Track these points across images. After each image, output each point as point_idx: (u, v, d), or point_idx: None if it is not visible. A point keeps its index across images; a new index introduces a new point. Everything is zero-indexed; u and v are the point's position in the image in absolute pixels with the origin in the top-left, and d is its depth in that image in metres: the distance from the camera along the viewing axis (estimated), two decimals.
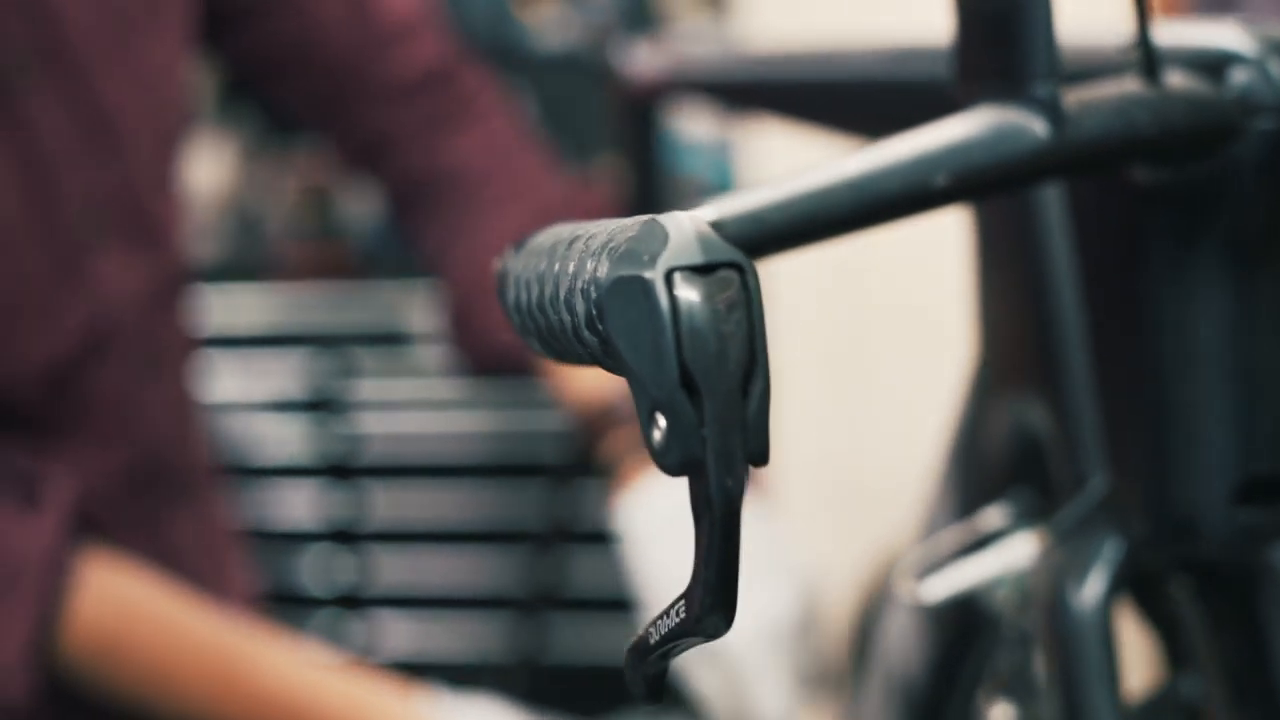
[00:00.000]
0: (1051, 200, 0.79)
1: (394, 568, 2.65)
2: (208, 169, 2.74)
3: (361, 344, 2.64)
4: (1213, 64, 0.69)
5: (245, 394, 2.67)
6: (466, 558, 2.61)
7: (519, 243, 0.59)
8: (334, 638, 2.61)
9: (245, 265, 2.72)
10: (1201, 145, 0.68)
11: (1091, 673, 0.75)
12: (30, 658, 1.17)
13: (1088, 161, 0.67)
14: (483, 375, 1.47)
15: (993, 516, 0.85)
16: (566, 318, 0.52)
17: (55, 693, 1.20)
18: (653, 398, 0.48)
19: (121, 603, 1.20)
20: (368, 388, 2.66)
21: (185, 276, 1.34)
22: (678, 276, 0.48)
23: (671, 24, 2.65)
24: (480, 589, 2.59)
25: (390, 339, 2.63)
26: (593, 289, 0.50)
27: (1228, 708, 0.78)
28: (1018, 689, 0.83)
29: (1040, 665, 0.82)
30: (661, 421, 0.48)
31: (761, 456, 0.48)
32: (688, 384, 0.47)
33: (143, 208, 1.27)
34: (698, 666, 1.27)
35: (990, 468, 0.88)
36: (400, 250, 2.48)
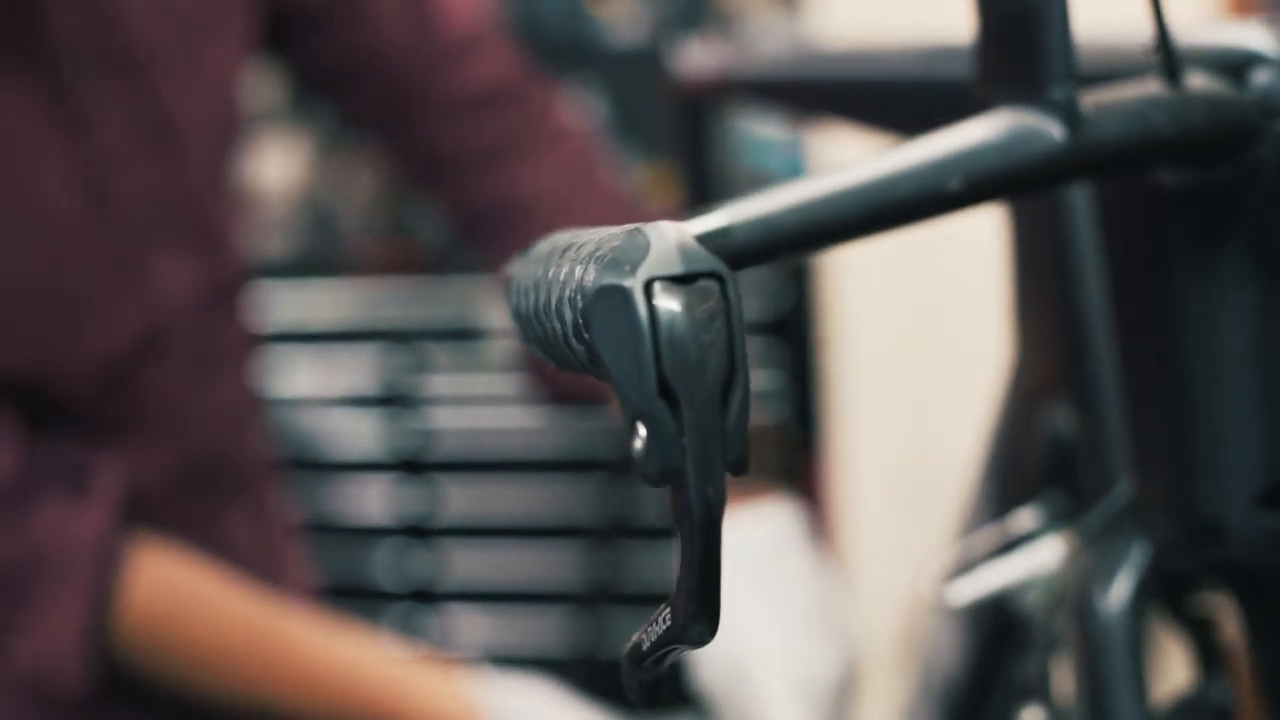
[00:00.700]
0: (1080, 203, 0.78)
1: (467, 563, 2.66)
2: (282, 165, 2.77)
3: (434, 339, 2.66)
4: (1235, 65, 0.69)
5: (319, 389, 2.69)
6: (538, 552, 2.62)
7: (525, 249, 0.59)
8: (407, 632, 2.63)
9: (319, 261, 2.74)
10: (1222, 147, 0.68)
11: (1118, 676, 0.74)
12: (84, 646, 1.19)
13: (1105, 164, 0.67)
14: (559, 405, 1.47)
15: (1024, 519, 0.85)
16: (557, 325, 0.52)
17: (109, 680, 1.22)
18: (633, 406, 0.48)
19: (171, 588, 1.21)
20: (440, 383, 2.67)
21: (243, 278, 1.35)
22: (657, 286, 0.48)
23: (742, 21, 2.65)
24: (551, 583, 2.60)
25: (462, 334, 2.64)
26: (579, 297, 0.50)
27: (1258, 712, 0.77)
28: (1048, 693, 0.83)
29: (1069, 669, 0.82)
30: (642, 430, 0.48)
31: (741, 465, 0.48)
32: (667, 393, 0.48)
33: (199, 210, 1.28)
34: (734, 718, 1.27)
35: (1024, 470, 0.88)
36: None
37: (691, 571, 0.49)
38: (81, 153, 1.20)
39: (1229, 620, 0.79)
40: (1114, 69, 0.71)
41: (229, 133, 1.32)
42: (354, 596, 2.63)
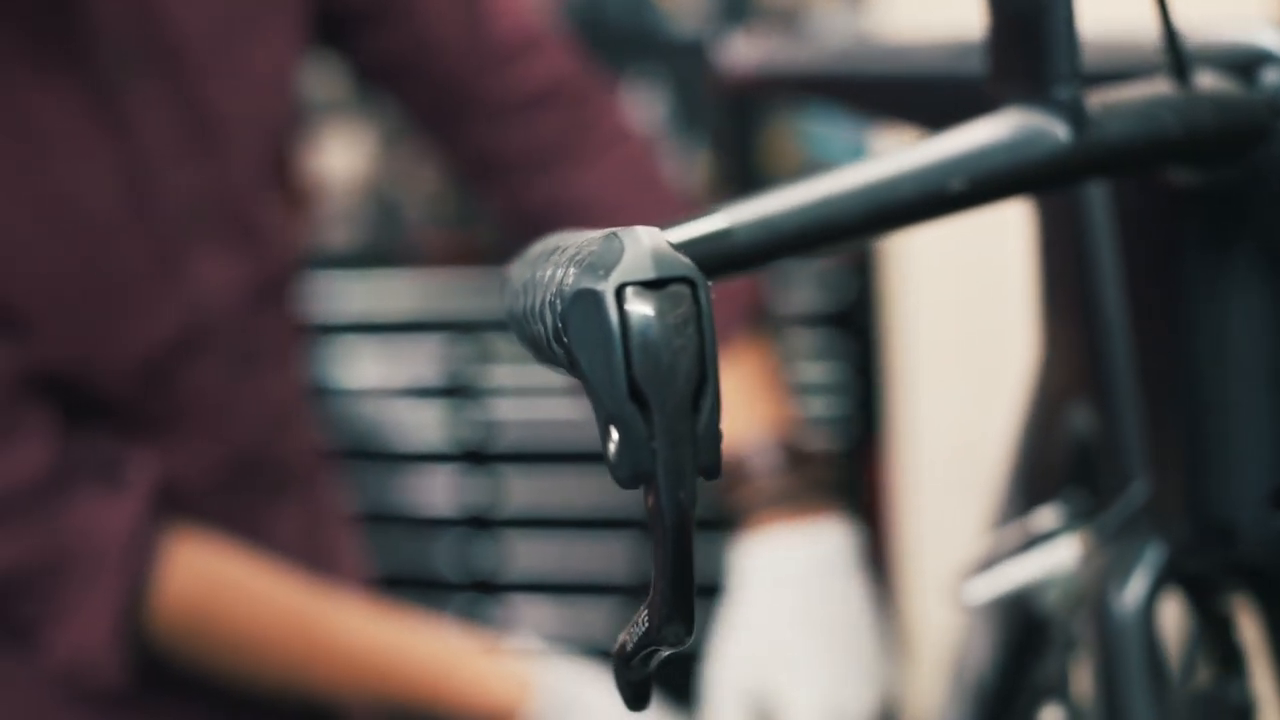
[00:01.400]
0: (1097, 204, 0.78)
1: (530, 553, 2.67)
2: (347, 157, 2.78)
3: (498, 330, 2.66)
4: (1245, 64, 0.68)
5: (383, 380, 2.70)
6: (598, 543, 2.62)
7: (523, 250, 0.59)
8: (470, 622, 2.64)
9: (384, 252, 2.75)
10: (1230, 147, 0.67)
11: (1133, 675, 0.74)
12: (119, 637, 1.20)
13: (1111, 165, 0.67)
14: None
15: (1045, 518, 0.85)
16: (540, 328, 0.52)
17: (149, 671, 1.23)
18: (605, 410, 0.48)
19: (207, 578, 1.23)
20: (504, 374, 2.67)
21: (290, 275, 1.36)
22: (629, 291, 0.48)
23: (804, 15, 2.64)
24: (609, 574, 2.60)
25: None
26: (558, 301, 0.50)
27: (1277, 710, 0.77)
28: (1067, 692, 0.83)
29: (1088, 668, 0.81)
30: (614, 434, 0.48)
31: (713, 470, 0.48)
32: (638, 397, 0.48)
33: (243, 208, 1.29)
34: None
35: (1047, 469, 0.88)
36: None
37: (664, 575, 0.49)
38: (123, 151, 1.21)
39: (1251, 619, 0.79)
40: (1128, 67, 0.71)
41: (276, 131, 1.33)
42: (417, 587, 2.64)
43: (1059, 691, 0.83)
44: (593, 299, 0.49)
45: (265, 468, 1.33)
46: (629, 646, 0.52)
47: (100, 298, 1.21)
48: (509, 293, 0.57)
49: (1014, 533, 0.85)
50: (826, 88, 1.17)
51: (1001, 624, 0.95)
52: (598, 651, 2.42)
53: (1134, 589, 0.75)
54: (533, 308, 0.53)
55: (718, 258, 0.61)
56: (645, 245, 0.49)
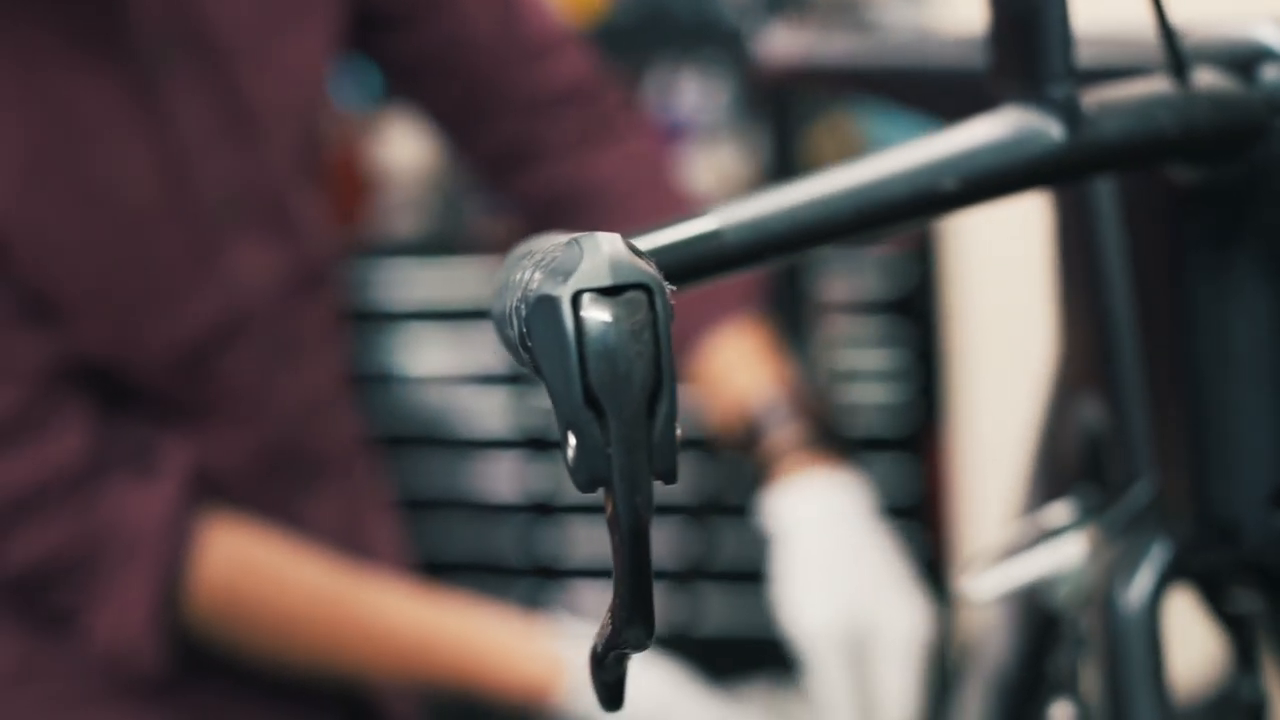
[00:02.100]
0: (1106, 201, 0.78)
1: (592, 539, 2.68)
2: (411, 146, 2.79)
3: None
4: (1244, 61, 0.68)
5: (447, 367, 2.72)
6: (663, 529, 2.63)
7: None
8: (533, 608, 2.65)
9: (448, 240, 2.76)
10: (1228, 145, 0.67)
11: (1137, 672, 0.74)
12: (157, 623, 1.22)
13: (1106, 163, 0.66)
14: None
15: (1056, 512, 0.85)
16: (512, 331, 0.53)
17: (187, 656, 1.24)
18: (563, 416, 0.49)
19: (243, 562, 1.24)
20: None
21: (328, 266, 1.37)
22: (585, 298, 0.49)
23: (866, 6, 2.63)
24: (674, 560, 2.61)
25: None
26: (522, 306, 0.51)
27: None
28: (1077, 688, 0.83)
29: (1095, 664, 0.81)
30: (572, 439, 0.48)
31: (669, 475, 0.49)
32: (594, 404, 0.48)
33: (279, 199, 1.30)
34: None
35: (1063, 464, 0.88)
36: None
37: (623, 579, 0.49)
38: (161, 140, 1.22)
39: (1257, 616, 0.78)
40: (1130, 64, 0.70)
41: (311, 123, 1.34)
42: (480, 572, 2.66)
43: (1069, 687, 0.82)
44: (551, 305, 0.49)
45: (302, 456, 1.34)
46: (599, 649, 0.53)
47: (137, 287, 1.22)
48: (494, 294, 0.58)
49: (1025, 528, 0.85)
50: (863, 80, 1.17)
51: (1021, 619, 0.95)
52: (676, 636, 2.43)
53: (1139, 586, 0.74)
54: (505, 311, 0.53)
55: (706, 259, 0.61)
56: (604, 252, 0.50)
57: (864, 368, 2.52)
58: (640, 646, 0.50)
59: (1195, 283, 0.71)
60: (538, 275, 0.51)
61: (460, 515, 2.71)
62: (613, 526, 0.49)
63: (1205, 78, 0.67)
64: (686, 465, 2.47)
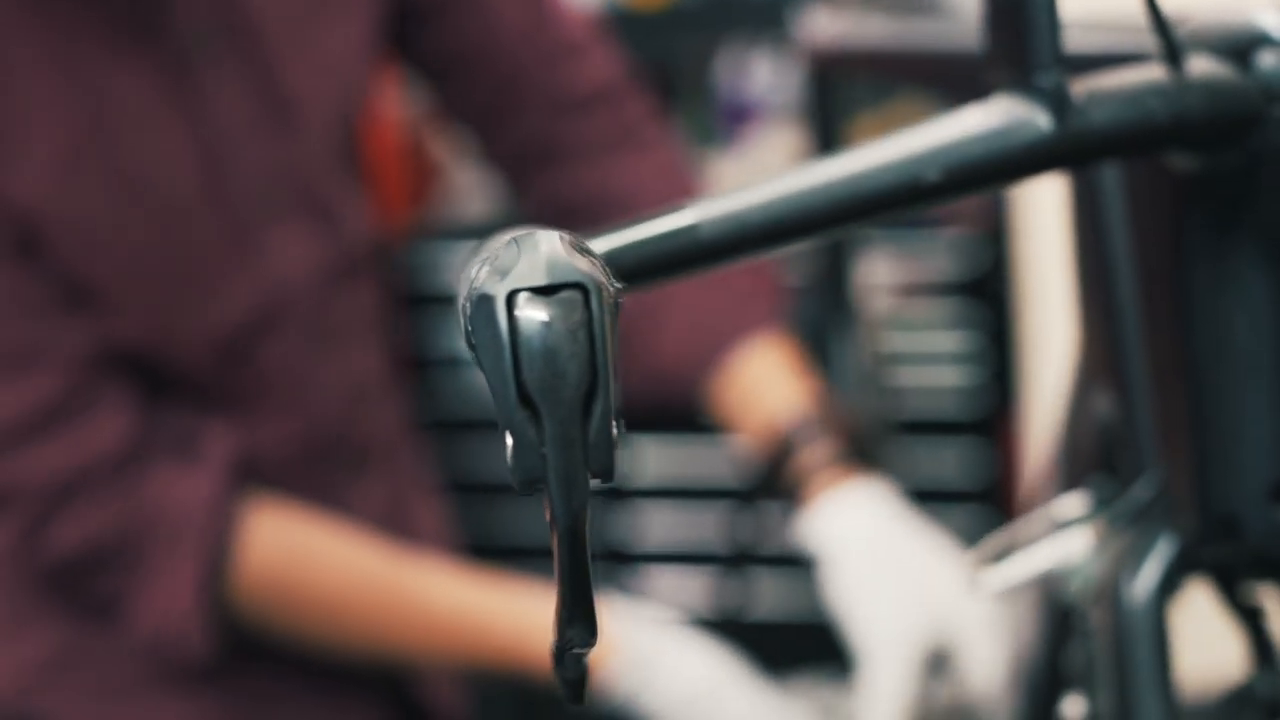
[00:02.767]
0: (1112, 189, 0.77)
1: (663, 523, 2.67)
2: None
3: None
4: (1240, 47, 0.66)
5: None
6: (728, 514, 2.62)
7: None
8: (604, 592, 2.65)
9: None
10: (1222, 133, 0.66)
11: (1142, 664, 0.73)
12: (202, 608, 1.22)
13: (1096, 151, 0.66)
14: (651, 405, 1.43)
15: (1069, 505, 0.84)
16: (462, 328, 0.52)
17: (235, 641, 1.25)
18: (500, 416, 0.48)
19: (288, 547, 1.25)
20: None
21: (368, 254, 1.37)
22: (520, 298, 0.48)
23: None
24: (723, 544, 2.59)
25: None
26: (467, 305, 0.51)
27: None
28: (1091, 681, 0.82)
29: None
30: (509, 439, 0.48)
31: (606, 474, 0.48)
32: (528, 403, 0.48)
33: (317, 187, 1.30)
34: None
35: (1081, 455, 0.87)
36: None
37: (562, 579, 0.49)
38: (199, 129, 1.23)
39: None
40: (1127, 52, 0.69)
41: (349, 113, 1.34)
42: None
43: (1082, 681, 0.81)
44: (487, 304, 0.49)
45: (345, 444, 1.34)
46: (556, 647, 0.52)
47: (177, 275, 1.23)
48: (458, 291, 0.57)
49: (1039, 519, 0.84)
50: (903, 64, 1.16)
51: (1042, 611, 0.94)
52: (727, 620, 2.42)
53: (1145, 579, 0.73)
54: (459, 306, 0.53)
55: (682, 254, 0.61)
56: (541, 251, 0.49)
57: (937, 350, 2.51)
58: (586, 644, 0.50)
59: (1196, 273, 0.70)
60: (483, 272, 0.50)
61: (528, 500, 2.71)
62: (550, 527, 0.49)
63: (1199, 65, 0.66)
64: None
